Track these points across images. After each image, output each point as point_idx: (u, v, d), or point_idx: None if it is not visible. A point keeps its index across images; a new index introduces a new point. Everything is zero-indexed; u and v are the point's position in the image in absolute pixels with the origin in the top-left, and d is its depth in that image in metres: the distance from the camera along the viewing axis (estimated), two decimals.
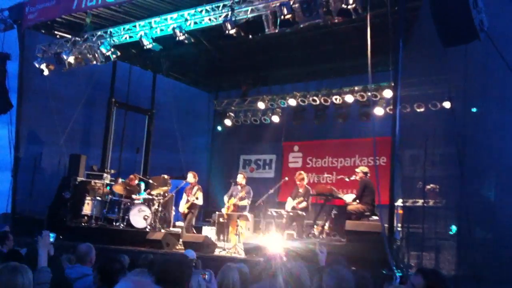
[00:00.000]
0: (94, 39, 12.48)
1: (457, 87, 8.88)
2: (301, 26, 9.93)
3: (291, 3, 9.52)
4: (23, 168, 13.27)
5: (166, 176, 13.33)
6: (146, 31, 11.69)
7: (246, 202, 11.56)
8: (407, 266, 8.11)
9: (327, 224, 10.54)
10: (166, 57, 14.42)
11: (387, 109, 12.97)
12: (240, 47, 13.44)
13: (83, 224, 12.49)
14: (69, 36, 13.04)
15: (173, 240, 11.09)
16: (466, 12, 6.23)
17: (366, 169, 10.65)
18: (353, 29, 11.31)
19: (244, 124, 16.62)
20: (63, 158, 13.96)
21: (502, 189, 8.71)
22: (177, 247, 11.03)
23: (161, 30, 11.61)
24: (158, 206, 12.12)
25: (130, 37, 12.19)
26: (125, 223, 12.02)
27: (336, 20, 9.99)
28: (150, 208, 11.93)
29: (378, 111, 13.23)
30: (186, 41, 11.17)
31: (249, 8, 10.33)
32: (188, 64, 15.72)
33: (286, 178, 12.53)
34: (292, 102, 15.12)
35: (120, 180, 13.13)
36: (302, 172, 11.59)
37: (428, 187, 9.11)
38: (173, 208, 12.98)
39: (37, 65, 12.86)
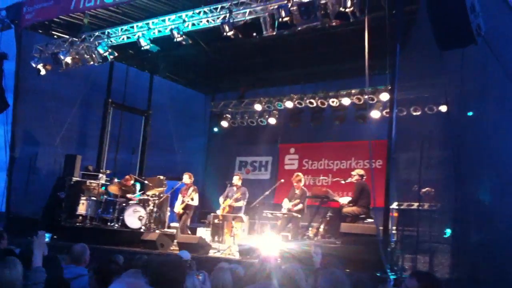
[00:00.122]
0: (91, 40, 12.47)
1: (453, 90, 8.89)
2: (299, 28, 9.95)
3: (289, 5, 9.53)
4: (18, 168, 13.22)
5: (161, 177, 13.32)
6: (144, 32, 11.68)
7: (241, 204, 11.59)
8: (401, 269, 8.12)
9: (322, 226, 10.55)
10: (163, 58, 14.41)
11: (384, 112, 13.01)
12: (237, 49, 13.44)
13: (77, 224, 12.46)
14: (67, 37, 13.02)
15: (167, 240, 11.08)
16: (464, 16, 6.25)
17: (362, 172, 10.68)
18: (350, 32, 11.32)
19: (241, 126, 16.63)
20: (59, 158, 13.92)
21: (497, 193, 8.73)
22: (172, 248, 11.03)
23: (159, 31, 11.61)
24: (153, 206, 12.11)
25: (128, 38, 12.18)
26: (119, 224, 12.00)
27: (334, 23, 10.00)
28: (145, 209, 11.92)
29: (375, 114, 13.26)
30: (183, 43, 11.18)
31: (247, 10, 10.34)
32: (185, 66, 15.70)
33: (282, 180, 12.54)
34: (289, 104, 15.13)
35: (115, 180, 13.12)
36: (300, 173, 11.61)
37: (424, 190, 9.12)
38: (168, 208, 12.98)
39: (34, 65, 12.83)
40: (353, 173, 10.81)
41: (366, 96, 13.22)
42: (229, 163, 17.02)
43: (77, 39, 12.68)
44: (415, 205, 9.27)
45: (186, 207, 11.95)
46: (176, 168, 15.11)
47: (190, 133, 17.36)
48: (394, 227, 9.37)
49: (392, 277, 7.24)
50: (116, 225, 12.03)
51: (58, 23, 13.22)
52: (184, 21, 11.12)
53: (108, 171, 13.88)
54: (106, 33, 12.35)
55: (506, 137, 8.63)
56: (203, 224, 13.22)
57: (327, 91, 14.63)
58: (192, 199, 11.93)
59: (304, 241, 10.10)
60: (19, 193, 13.17)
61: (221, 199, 11.81)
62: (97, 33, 12.47)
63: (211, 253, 10.38)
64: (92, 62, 12.56)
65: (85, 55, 12.53)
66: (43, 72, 12.84)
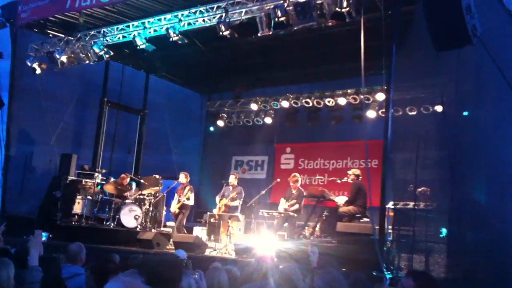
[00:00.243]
0: (87, 39, 12.45)
1: (449, 91, 8.92)
2: (295, 28, 9.96)
3: (285, 5, 9.54)
4: (13, 167, 13.18)
5: (157, 176, 13.33)
6: (140, 31, 11.67)
7: (237, 203, 11.59)
8: (397, 268, 8.15)
9: (318, 226, 10.57)
10: (159, 57, 14.40)
11: (380, 112, 13.03)
12: (233, 48, 13.45)
13: (73, 223, 12.43)
14: (62, 35, 12.98)
15: (163, 240, 11.08)
16: (459, 17, 6.27)
17: (358, 172, 10.70)
18: (346, 33, 11.34)
19: (237, 125, 16.64)
20: (54, 158, 13.89)
21: (493, 193, 8.75)
22: (168, 247, 11.03)
23: (155, 30, 11.60)
24: (149, 206, 12.11)
25: (124, 37, 12.16)
26: (115, 223, 11.98)
27: (330, 23, 10.01)
28: (141, 208, 11.91)
29: (371, 114, 13.29)
30: (179, 42, 11.17)
31: (243, 10, 10.34)
32: (181, 65, 15.69)
33: (278, 180, 12.55)
34: (285, 104, 15.14)
35: (111, 179, 13.10)
36: (297, 174, 11.63)
37: (419, 190, 9.14)
38: (164, 208, 12.98)
39: (29, 64, 12.80)
40: (349, 172, 10.83)
41: (362, 96, 13.25)
42: (225, 162, 17.02)
43: (72, 38, 12.65)
44: (411, 204, 9.28)
45: (182, 207, 11.95)
46: (172, 168, 15.10)
47: (186, 133, 17.35)
48: (390, 227, 9.40)
49: (388, 276, 7.26)
50: (112, 224, 12.01)
51: (53, 22, 13.17)
52: (180, 20, 11.10)
53: (104, 170, 13.85)
54: (102, 32, 12.33)
55: (502, 137, 8.66)
56: (199, 223, 13.23)
57: (323, 91, 14.66)
58: (188, 199, 11.93)
59: (300, 240, 10.12)
60: (15, 192, 13.13)
61: (217, 199, 11.81)
62: (92, 32, 12.45)
63: (207, 252, 10.39)
64: (87, 61, 12.55)
65: (81, 54, 12.51)
66: (38, 71, 12.80)
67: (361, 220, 10.02)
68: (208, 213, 11.98)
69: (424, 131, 9.70)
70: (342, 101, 14.17)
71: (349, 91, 14.08)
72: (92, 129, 15.01)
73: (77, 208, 12.56)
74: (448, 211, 8.61)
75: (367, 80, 9.36)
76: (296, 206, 10.92)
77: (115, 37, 12.26)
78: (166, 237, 11.33)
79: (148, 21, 11.62)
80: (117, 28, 12.16)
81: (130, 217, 11.75)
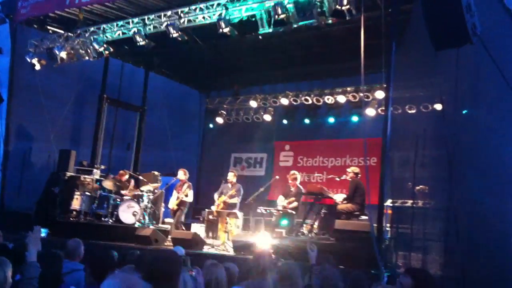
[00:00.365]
0: (87, 35, 12.44)
1: (448, 89, 8.92)
2: (295, 26, 9.96)
3: (286, 3, 9.54)
4: (12, 162, 13.18)
5: (156, 173, 13.33)
6: (140, 28, 11.66)
7: (236, 200, 11.59)
8: (395, 266, 8.17)
9: (316, 223, 10.58)
10: (158, 54, 14.38)
11: (379, 110, 13.04)
12: (233, 46, 13.43)
13: (71, 219, 12.43)
14: (62, 32, 12.97)
15: (161, 236, 11.07)
16: (459, 16, 6.26)
17: (357, 170, 10.71)
18: (346, 31, 11.34)
19: (236, 122, 16.64)
20: (53, 153, 13.88)
21: (491, 192, 8.76)
22: (166, 244, 11.02)
23: (155, 27, 11.58)
24: (148, 202, 12.10)
25: (123, 33, 12.15)
26: (114, 219, 11.97)
27: (330, 21, 10.01)
28: (139, 204, 11.91)
29: (370, 111, 13.29)
30: (179, 39, 11.16)
31: (243, 7, 10.34)
32: (181, 62, 15.68)
33: (277, 177, 12.58)
34: (284, 101, 15.15)
35: (110, 175, 13.09)
36: (296, 172, 11.64)
37: (418, 188, 9.15)
38: (163, 204, 12.98)
39: (28, 60, 12.79)
40: (348, 170, 10.84)
41: (361, 94, 13.25)
42: (224, 159, 17.03)
43: (72, 34, 12.63)
44: (409, 202, 9.31)
45: (181, 203, 11.96)
46: (171, 164, 15.09)
47: (185, 129, 17.35)
48: (388, 225, 9.42)
49: (385, 274, 7.27)
50: (110, 220, 12.00)
51: (53, 18, 13.16)
52: (180, 17, 11.09)
53: (102, 167, 13.85)
54: (102, 28, 12.32)
55: (500, 136, 8.67)
56: (198, 220, 13.22)
57: (323, 89, 14.68)
58: (186, 195, 11.93)
59: (298, 237, 10.13)
60: (13, 187, 13.12)
61: (215, 196, 11.81)
62: (92, 29, 12.44)
63: (206, 249, 10.39)
64: (87, 58, 12.53)
65: (80, 50, 12.50)
66: (38, 67, 12.79)
67: (360, 218, 10.03)
68: (207, 210, 11.97)
69: (423, 130, 9.70)
70: (341, 99, 14.18)
71: (348, 89, 14.09)
72: (91, 126, 14.98)
73: (76, 204, 12.56)
74: (446, 209, 8.62)
75: (367, 78, 9.37)
76: (295, 204, 10.93)
77: (114, 34, 12.25)
78: (164, 234, 11.33)
79: (148, 18, 11.60)
80: (117, 24, 12.14)
81: (128, 213, 11.73)
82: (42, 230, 4.19)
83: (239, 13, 10.42)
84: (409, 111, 12.54)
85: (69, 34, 12.67)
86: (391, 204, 9.52)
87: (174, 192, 12.14)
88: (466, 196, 8.41)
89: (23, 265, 3.89)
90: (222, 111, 16.77)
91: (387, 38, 8.32)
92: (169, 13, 11.29)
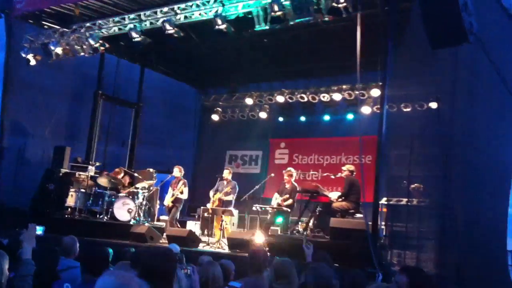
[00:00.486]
0: (82, 31, 12.37)
1: (444, 88, 8.94)
2: (291, 23, 9.95)
3: (282, 0, 9.52)
4: (7, 158, 13.13)
5: (151, 170, 13.30)
6: (136, 24, 11.61)
7: (231, 197, 11.59)
8: (390, 264, 8.19)
9: (311, 221, 10.59)
10: (154, 50, 14.33)
11: (374, 108, 13.06)
12: (229, 43, 13.38)
13: (66, 216, 12.38)
14: (57, 27, 12.90)
15: (157, 234, 11.06)
16: (456, 15, 6.26)
17: (352, 168, 10.72)
18: (342, 29, 11.34)
19: (232, 120, 16.63)
20: (48, 150, 13.83)
21: (485, 190, 8.80)
22: (161, 241, 11.01)
23: (151, 23, 11.55)
24: (143, 199, 12.07)
25: (119, 29, 12.10)
26: (108, 216, 11.94)
27: (326, 19, 10.00)
28: (134, 201, 11.88)
29: (365, 109, 13.31)
30: (175, 35, 11.11)
31: (240, 4, 10.32)
32: (177, 59, 15.63)
33: (272, 175, 12.57)
34: (280, 99, 15.14)
35: (105, 172, 13.05)
36: (292, 169, 11.64)
37: (413, 186, 9.18)
38: (158, 202, 12.96)
39: (23, 55, 12.71)
40: (343, 168, 10.86)
41: (357, 92, 13.25)
42: (219, 157, 17.01)
43: (68, 30, 12.56)
44: (404, 201, 9.33)
45: (176, 200, 11.95)
46: (166, 161, 15.07)
47: (180, 127, 17.33)
48: (383, 223, 9.43)
49: (380, 272, 7.29)
50: (105, 217, 11.97)
51: (49, 13, 13.05)
52: (176, 13, 11.06)
53: (97, 163, 13.79)
54: (97, 24, 12.25)
55: (495, 135, 8.70)
56: (193, 217, 13.22)
57: (318, 87, 14.68)
58: (181, 193, 11.92)
59: (293, 235, 10.14)
60: (7, 184, 13.07)
61: (211, 193, 11.80)
62: (88, 24, 12.37)
63: (201, 246, 10.39)
64: (82, 53, 12.46)
65: (76, 46, 12.42)
66: (33, 62, 12.71)
67: (354, 216, 10.04)
68: (202, 207, 11.97)
69: (418, 128, 9.73)
70: (337, 96, 14.18)
71: (344, 86, 14.09)
72: (86, 122, 14.91)
73: (70, 201, 12.51)
74: (441, 207, 8.65)
75: (363, 77, 9.38)
76: (290, 201, 10.93)
77: (110, 29, 12.19)
78: (160, 231, 11.31)
79: (144, 14, 11.55)
80: (113, 20, 12.08)
81: (123, 210, 11.71)
82: (39, 227, 4.16)
83: (235, 9, 10.40)
84: (405, 109, 12.54)
85: (65, 29, 12.59)
86: (386, 202, 9.53)
87: (170, 189, 12.13)
88: (461, 194, 8.44)
89: (17, 262, 3.87)
90: (218, 108, 16.75)
91: (384, 36, 8.33)
92: (165, 9, 11.25)
